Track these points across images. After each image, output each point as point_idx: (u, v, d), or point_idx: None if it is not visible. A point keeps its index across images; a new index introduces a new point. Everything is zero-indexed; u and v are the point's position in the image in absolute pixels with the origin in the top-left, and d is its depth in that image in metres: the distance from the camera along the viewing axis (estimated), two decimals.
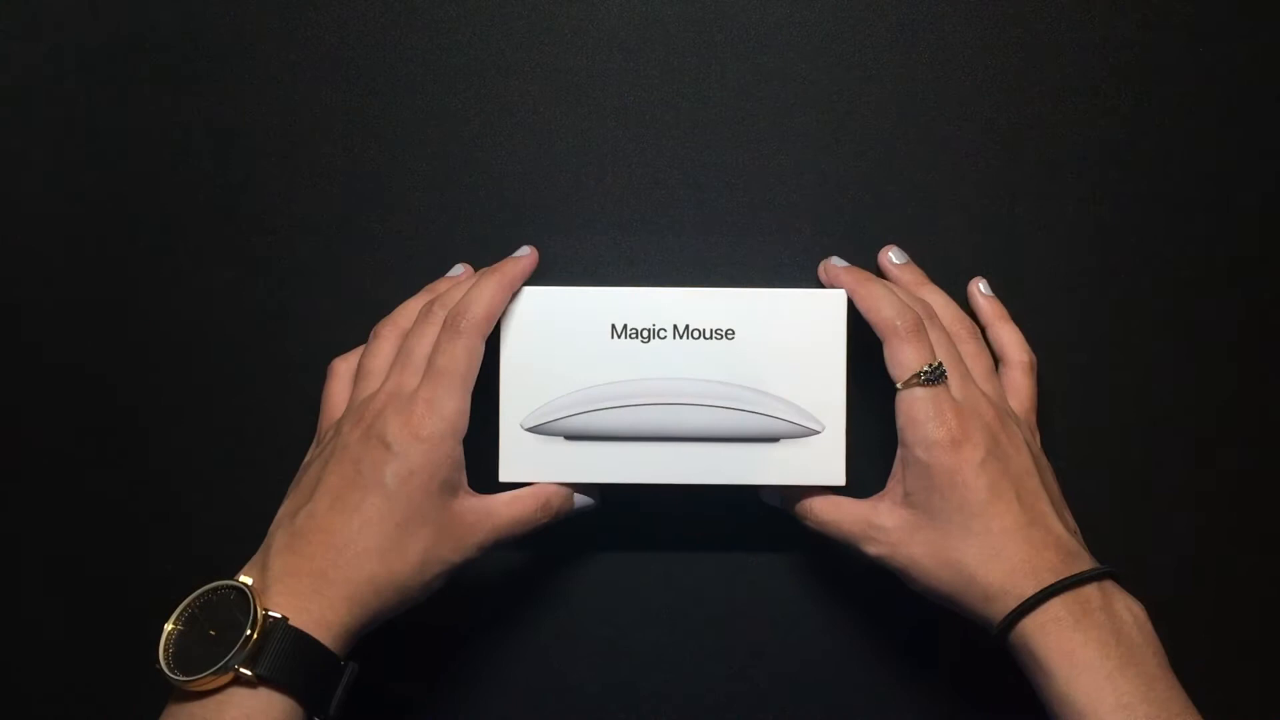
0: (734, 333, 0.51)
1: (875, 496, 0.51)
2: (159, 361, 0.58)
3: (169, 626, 0.44)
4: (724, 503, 0.56)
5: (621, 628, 0.57)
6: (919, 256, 0.56)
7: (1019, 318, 0.55)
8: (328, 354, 0.56)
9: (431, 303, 0.51)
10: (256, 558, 0.47)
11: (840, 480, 0.51)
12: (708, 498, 0.54)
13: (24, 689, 0.58)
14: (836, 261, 0.54)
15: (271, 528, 0.48)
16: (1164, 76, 0.56)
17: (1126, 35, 0.56)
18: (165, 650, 0.43)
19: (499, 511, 0.50)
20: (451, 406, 0.48)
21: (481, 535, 0.49)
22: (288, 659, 0.43)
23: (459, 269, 0.55)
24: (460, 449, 0.48)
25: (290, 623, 0.43)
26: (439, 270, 0.56)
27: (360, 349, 0.53)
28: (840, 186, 0.57)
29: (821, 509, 0.51)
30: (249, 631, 0.42)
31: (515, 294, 0.51)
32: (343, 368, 0.53)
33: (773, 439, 0.51)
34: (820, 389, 0.51)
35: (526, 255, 0.52)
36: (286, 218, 0.57)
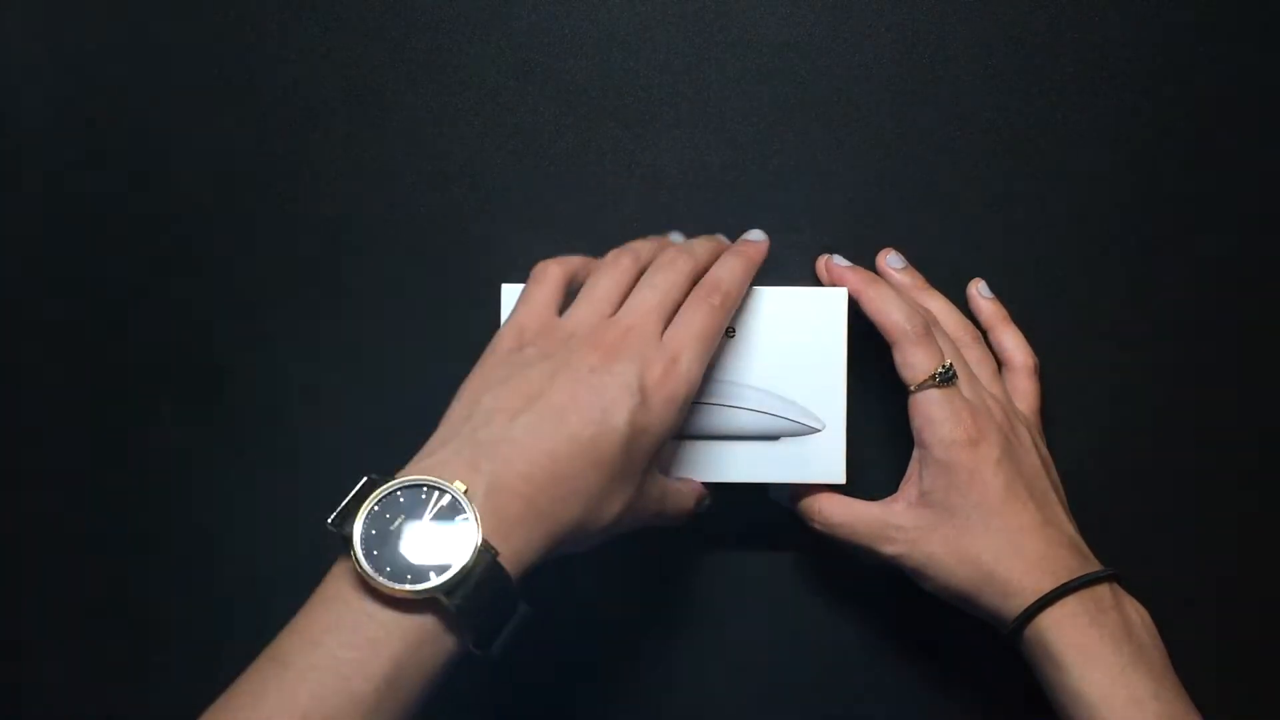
0: (734, 330, 0.51)
1: (888, 498, 0.51)
2: (157, 360, 0.57)
3: (368, 512, 0.40)
4: (724, 500, 0.56)
5: (620, 625, 0.57)
6: (918, 256, 0.56)
7: (1018, 318, 0.55)
8: (326, 353, 0.56)
9: (676, 253, 0.49)
10: (463, 447, 0.42)
11: (840, 479, 0.51)
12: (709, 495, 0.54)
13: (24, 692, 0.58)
14: (839, 261, 0.54)
15: (465, 409, 0.43)
16: (1164, 76, 0.56)
17: (1126, 35, 0.56)
18: (361, 540, 0.39)
19: (670, 497, 0.48)
20: (696, 374, 0.46)
21: (650, 512, 0.47)
22: (478, 595, 0.39)
23: (677, 236, 0.54)
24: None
25: (497, 558, 0.40)
26: (438, 270, 0.56)
27: (570, 258, 0.50)
28: (840, 186, 0.57)
29: (831, 510, 0.51)
30: (469, 561, 0.39)
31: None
32: (555, 270, 0.48)
33: (773, 437, 0.51)
34: (821, 387, 0.51)
35: (762, 240, 0.52)
36: (286, 218, 0.57)
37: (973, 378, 0.51)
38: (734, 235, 0.56)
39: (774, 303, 0.51)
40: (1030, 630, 0.46)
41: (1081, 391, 0.57)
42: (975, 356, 0.52)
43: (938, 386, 0.49)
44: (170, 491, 0.57)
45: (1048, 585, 0.46)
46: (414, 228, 0.57)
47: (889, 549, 0.49)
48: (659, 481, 0.47)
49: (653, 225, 0.57)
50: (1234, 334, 0.57)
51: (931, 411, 0.49)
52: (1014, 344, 0.54)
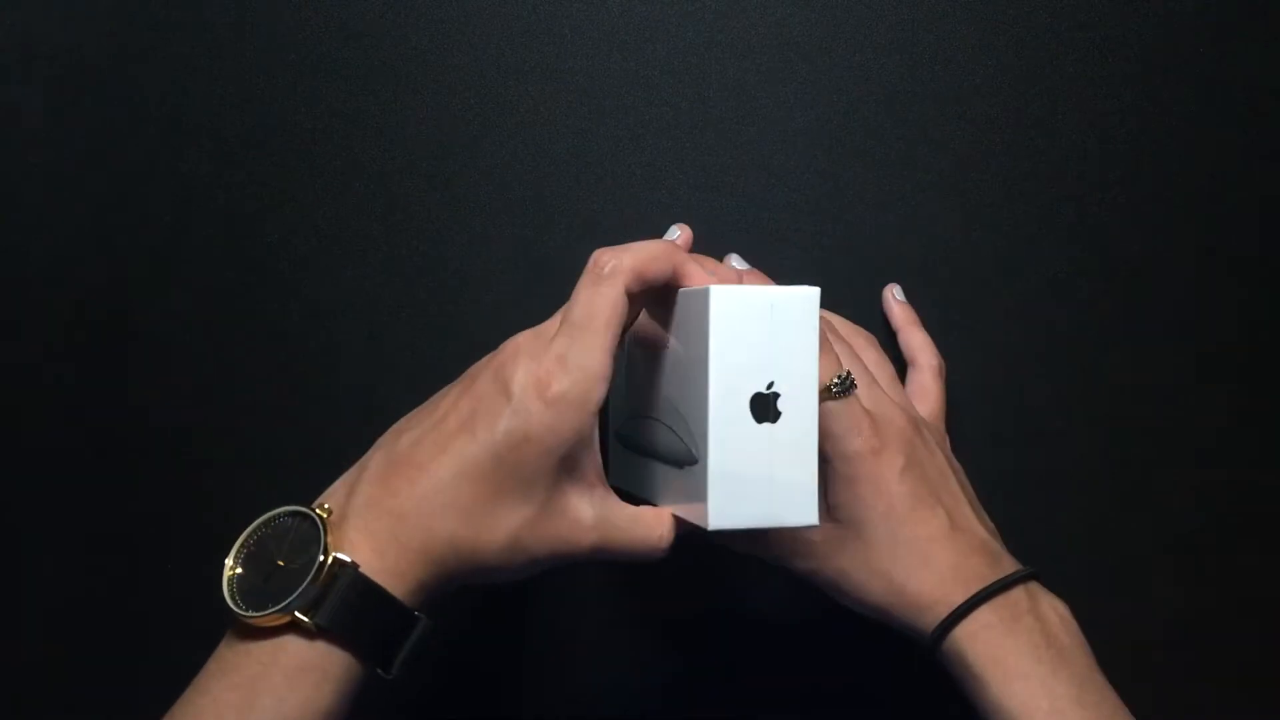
0: (668, 340, 0.45)
1: None
2: (158, 361, 0.58)
3: (239, 548, 0.41)
4: None
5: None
6: (918, 256, 0.56)
7: (1018, 317, 0.55)
8: (327, 354, 0.56)
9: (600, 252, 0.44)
10: (350, 474, 0.42)
11: (706, 524, 0.41)
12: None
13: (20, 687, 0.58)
14: (737, 261, 0.53)
15: (380, 440, 0.43)
16: (1164, 76, 0.56)
17: (1126, 35, 0.56)
18: (230, 578, 0.40)
19: (618, 524, 0.43)
20: (586, 366, 0.40)
21: (588, 541, 0.42)
22: (351, 610, 0.38)
23: (675, 231, 0.52)
24: (593, 421, 0.41)
25: (360, 569, 0.39)
26: (439, 270, 0.56)
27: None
28: (840, 187, 0.57)
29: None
30: (314, 575, 0.38)
31: None
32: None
33: (692, 460, 0.42)
34: (697, 406, 0.41)
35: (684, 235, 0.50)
36: (287, 218, 0.57)
37: (872, 383, 0.48)
38: (731, 236, 0.57)
39: (681, 304, 0.44)
40: (947, 644, 0.44)
41: (1081, 391, 0.57)
42: (873, 360, 0.51)
43: (835, 399, 0.45)
44: (172, 494, 0.58)
45: (959, 597, 0.44)
46: (413, 227, 0.57)
47: (801, 565, 0.47)
48: (595, 503, 0.42)
49: (653, 225, 0.57)
50: (1235, 336, 0.57)
51: (831, 424, 0.45)
52: (921, 345, 0.54)
